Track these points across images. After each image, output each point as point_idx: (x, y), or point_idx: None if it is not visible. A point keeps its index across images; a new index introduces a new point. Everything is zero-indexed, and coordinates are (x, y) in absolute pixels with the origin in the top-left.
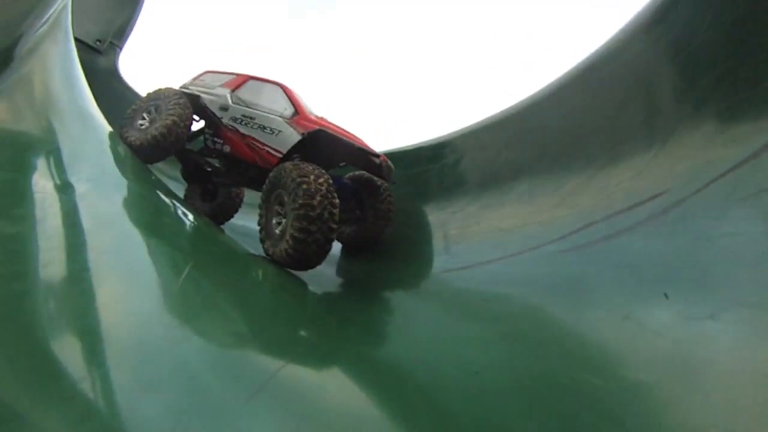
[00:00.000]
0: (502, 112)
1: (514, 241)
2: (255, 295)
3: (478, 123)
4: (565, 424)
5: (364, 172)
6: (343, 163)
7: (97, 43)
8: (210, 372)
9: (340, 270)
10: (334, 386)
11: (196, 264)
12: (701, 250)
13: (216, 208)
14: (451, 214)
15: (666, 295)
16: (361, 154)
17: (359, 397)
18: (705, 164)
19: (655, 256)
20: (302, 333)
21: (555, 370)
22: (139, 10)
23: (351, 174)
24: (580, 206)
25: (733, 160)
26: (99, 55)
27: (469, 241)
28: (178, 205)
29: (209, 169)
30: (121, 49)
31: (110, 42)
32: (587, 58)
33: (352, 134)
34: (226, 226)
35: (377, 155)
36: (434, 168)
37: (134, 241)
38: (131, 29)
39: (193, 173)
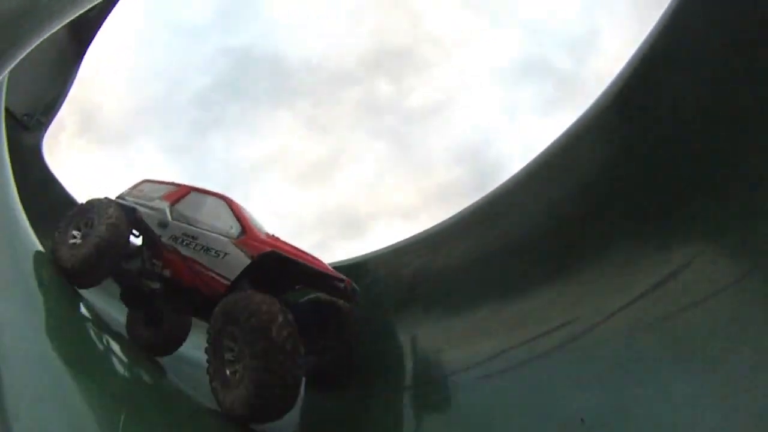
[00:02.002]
0: (409, 238)
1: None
2: None
3: (388, 247)
4: None
5: (321, 294)
6: (298, 286)
7: (25, 117)
8: None
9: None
10: None
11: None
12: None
13: (162, 335)
14: None
15: (582, 420)
16: (322, 279)
17: None
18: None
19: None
20: None
21: None
22: (69, 89)
23: (309, 297)
24: (495, 333)
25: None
26: (25, 131)
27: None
28: (112, 341)
29: (152, 291)
30: (47, 127)
31: (37, 118)
32: (491, 193)
33: (309, 255)
34: (174, 356)
35: (342, 279)
36: None
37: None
38: (59, 107)
39: (133, 296)
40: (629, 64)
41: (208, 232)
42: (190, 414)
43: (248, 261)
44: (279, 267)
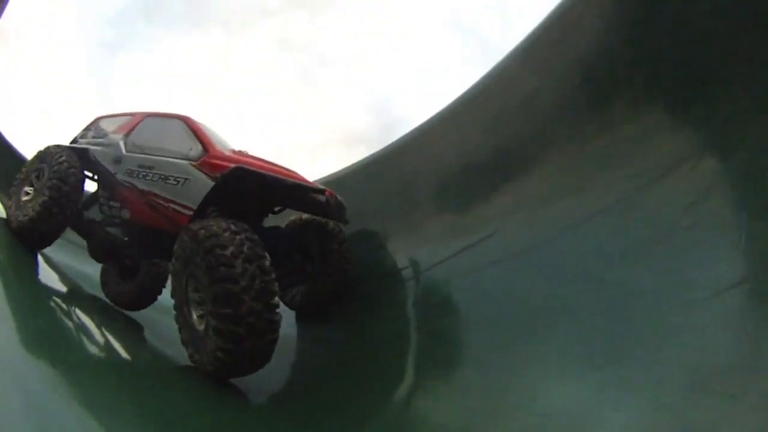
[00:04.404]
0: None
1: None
2: None
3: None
4: None
5: (305, 214)
6: (278, 208)
7: None
8: None
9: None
10: None
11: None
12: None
13: (139, 287)
14: None
15: None
16: (298, 192)
17: None
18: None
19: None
20: None
21: None
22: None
23: (291, 219)
24: None
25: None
26: None
27: None
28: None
29: (119, 240)
30: None
31: None
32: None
33: (284, 168)
34: (153, 307)
35: (321, 190)
36: None
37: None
38: None
39: (100, 249)
40: None
41: (164, 158)
42: (166, 380)
43: (212, 183)
44: (247, 185)
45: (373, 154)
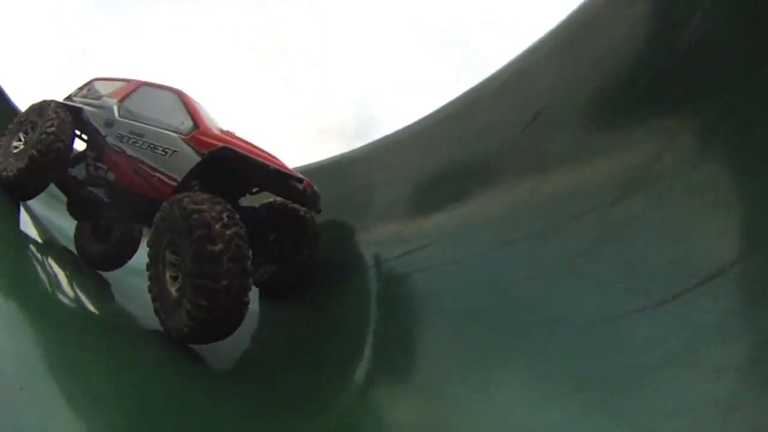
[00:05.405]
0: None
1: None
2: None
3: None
4: None
5: (280, 198)
6: (256, 189)
7: None
8: None
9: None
10: None
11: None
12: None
13: (111, 249)
14: None
15: None
16: (279, 178)
17: None
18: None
19: None
20: None
21: None
22: None
23: (266, 202)
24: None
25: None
26: None
27: None
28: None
29: (99, 200)
30: None
31: None
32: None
33: (267, 153)
34: (124, 269)
35: (300, 179)
36: None
37: None
38: None
39: (79, 207)
40: None
41: (155, 128)
42: (130, 339)
43: (198, 159)
44: (231, 165)
45: (338, 155)
